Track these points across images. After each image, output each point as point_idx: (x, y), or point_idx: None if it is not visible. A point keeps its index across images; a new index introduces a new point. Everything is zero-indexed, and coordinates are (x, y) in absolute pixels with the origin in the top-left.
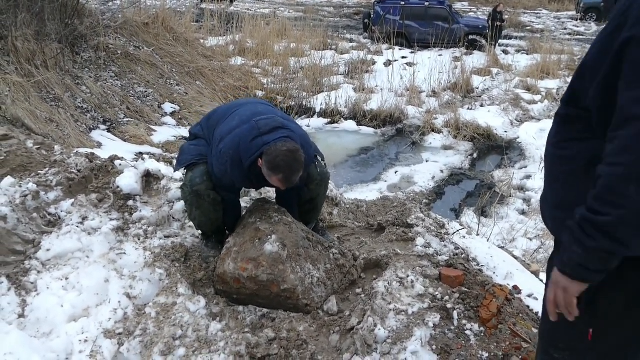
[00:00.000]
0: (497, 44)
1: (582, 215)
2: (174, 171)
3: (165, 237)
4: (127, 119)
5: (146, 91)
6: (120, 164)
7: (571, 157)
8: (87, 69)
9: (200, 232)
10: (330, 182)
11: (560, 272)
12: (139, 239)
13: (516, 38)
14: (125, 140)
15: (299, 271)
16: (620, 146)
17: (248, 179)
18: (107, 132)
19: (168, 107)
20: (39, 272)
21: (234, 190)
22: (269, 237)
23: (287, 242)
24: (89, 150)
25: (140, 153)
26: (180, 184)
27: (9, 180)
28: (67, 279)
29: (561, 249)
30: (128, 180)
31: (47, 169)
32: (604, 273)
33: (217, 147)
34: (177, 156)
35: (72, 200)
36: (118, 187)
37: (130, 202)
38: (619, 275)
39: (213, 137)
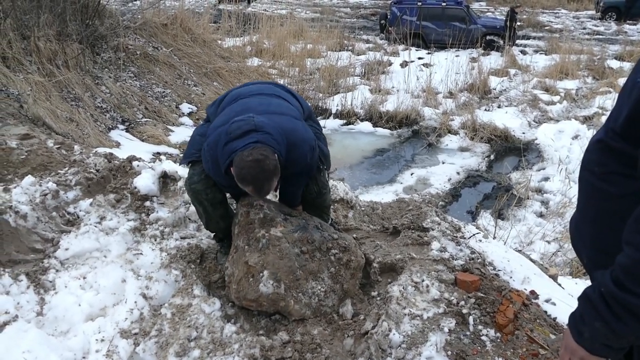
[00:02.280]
0: (515, 44)
1: (608, 289)
2: (179, 165)
3: (181, 238)
4: (145, 119)
5: (164, 91)
6: (138, 165)
7: (618, 195)
8: (106, 69)
9: (213, 235)
10: (345, 184)
11: (576, 342)
12: (155, 240)
13: (534, 38)
14: (143, 140)
15: (302, 298)
16: None
17: (231, 184)
18: (126, 131)
19: (185, 107)
20: (57, 270)
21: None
22: (261, 274)
23: (281, 273)
24: (108, 150)
25: (158, 153)
26: None
27: (29, 179)
28: (84, 278)
29: (577, 317)
30: (145, 181)
31: (66, 169)
32: (628, 348)
33: (203, 145)
34: (187, 146)
35: (91, 200)
36: (135, 187)
37: (148, 203)
38: None
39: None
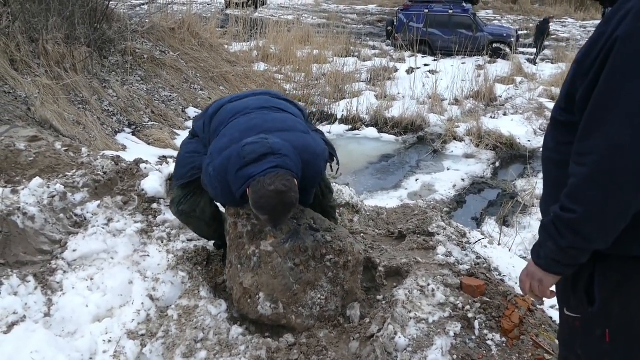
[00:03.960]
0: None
1: (555, 212)
2: (172, 186)
3: (187, 240)
4: (152, 123)
5: (171, 95)
6: (145, 167)
7: (568, 161)
8: (114, 73)
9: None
10: (350, 188)
11: (535, 264)
12: (162, 242)
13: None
14: (149, 144)
15: (302, 312)
16: (588, 146)
17: (243, 204)
18: (132, 135)
19: (192, 111)
20: (64, 272)
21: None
22: (258, 296)
23: (277, 294)
24: (115, 153)
25: (164, 156)
26: None
27: (37, 181)
28: (92, 279)
29: (536, 243)
30: (153, 184)
31: (74, 171)
32: (576, 266)
33: (207, 168)
34: (174, 166)
35: (98, 202)
36: (143, 190)
37: (155, 205)
38: (630, 276)
39: (210, 147)
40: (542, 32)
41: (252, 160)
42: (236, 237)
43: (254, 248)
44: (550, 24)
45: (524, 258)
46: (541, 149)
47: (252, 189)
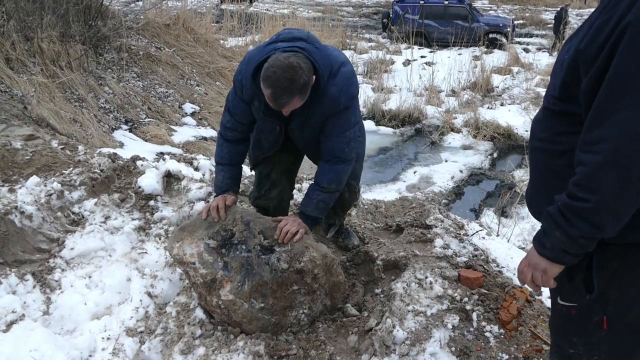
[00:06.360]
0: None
1: (563, 201)
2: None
3: None
4: (148, 119)
5: (167, 92)
6: (141, 164)
7: (566, 150)
8: (109, 70)
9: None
10: None
11: (540, 254)
12: (160, 239)
13: (537, 36)
14: (146, 140)
15: (291, 328)
16: (600, 135)
17: (253, 91)
18: (129, 132)
19: (188, 107)
20: (63, 270)
21: (239, 126)
22: (242, 341)
23: (257, 335)
24: (112, 151)
25: (161, 153)
26: (201, 184)
27: (34, 179)
28: (90, 277)
29: (541, 234)
30: (149, 181)
31: (71, 169)
32: (582, 255)
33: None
34: None
35: (95, 199)
36: (140, 187)
37: (152, 202)
38: (627, 263)
39: None
40: (560, 21)
41: (283, 39)
42: (195, 286)
43: (215, 299)
44: (568, 10)
45: (523, 248)
46: None
47: (267, 61)
